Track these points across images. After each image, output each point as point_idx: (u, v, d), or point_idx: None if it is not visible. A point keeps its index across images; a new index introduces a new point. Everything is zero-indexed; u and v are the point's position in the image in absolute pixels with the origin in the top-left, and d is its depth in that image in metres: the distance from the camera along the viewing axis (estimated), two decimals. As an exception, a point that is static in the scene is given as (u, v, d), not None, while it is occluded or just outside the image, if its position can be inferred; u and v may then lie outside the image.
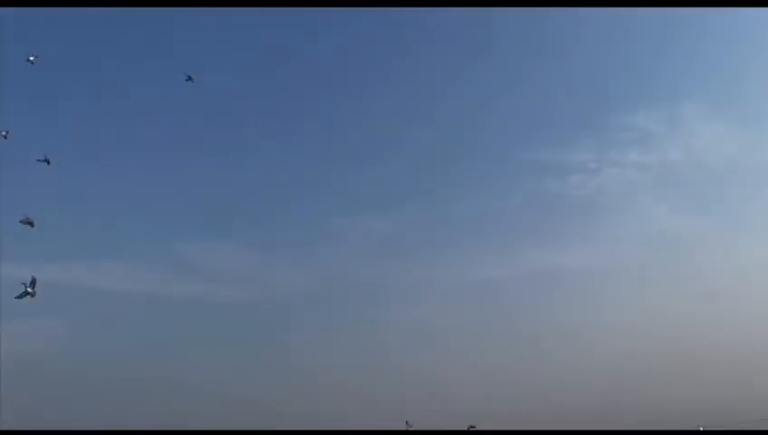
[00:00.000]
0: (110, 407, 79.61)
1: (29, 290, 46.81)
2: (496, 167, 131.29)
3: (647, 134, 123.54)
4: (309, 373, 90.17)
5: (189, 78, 62.32)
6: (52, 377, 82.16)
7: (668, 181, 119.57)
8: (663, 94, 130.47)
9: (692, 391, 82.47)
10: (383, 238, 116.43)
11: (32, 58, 55.18)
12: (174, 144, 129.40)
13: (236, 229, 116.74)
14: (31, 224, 50.56)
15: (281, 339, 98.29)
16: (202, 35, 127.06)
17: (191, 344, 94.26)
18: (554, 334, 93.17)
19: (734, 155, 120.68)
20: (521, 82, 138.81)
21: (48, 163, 54.17)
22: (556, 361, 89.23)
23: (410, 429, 67.10)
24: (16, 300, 46.78)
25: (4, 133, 53.36)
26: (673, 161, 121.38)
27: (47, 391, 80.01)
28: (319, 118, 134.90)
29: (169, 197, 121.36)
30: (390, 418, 75.00)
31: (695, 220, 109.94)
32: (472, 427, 66.64)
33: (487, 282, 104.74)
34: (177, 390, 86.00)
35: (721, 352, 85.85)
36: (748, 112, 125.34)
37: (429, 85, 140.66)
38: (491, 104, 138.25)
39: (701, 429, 76.46)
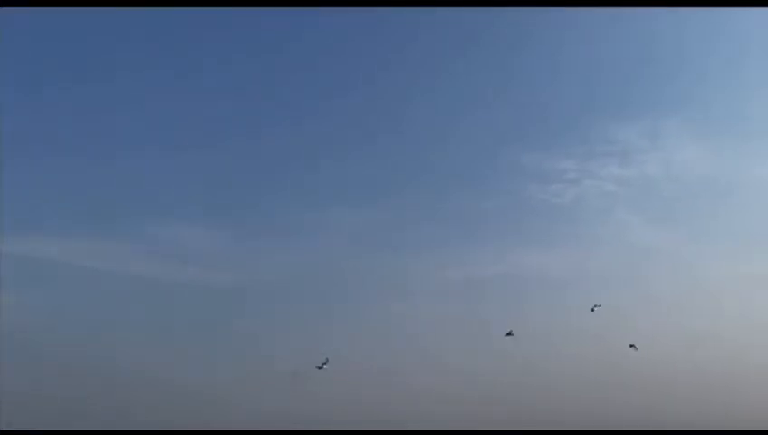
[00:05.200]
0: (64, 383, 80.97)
1: None
2: (482, 168, 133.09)
3: (628, 148, 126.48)
4: (271, 362, 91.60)
5: None
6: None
7: (645, 195, 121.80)
8: (646, 110, 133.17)
9: (655, 398, 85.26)
10: (366, 231, 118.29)
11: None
12: (157, 133, 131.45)
13: (216, 215, 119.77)
14: None
15: (248, 324, 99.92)
16: (178, 33, 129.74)
17: (149, 326, 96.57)
18: (524, 336, 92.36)
19: (710, 173, 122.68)
20: (512, 86, 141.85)
21: None
22: (521, 361, 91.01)
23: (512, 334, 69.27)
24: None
25: None
26: (651, 176, 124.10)
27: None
28: (304, 109, 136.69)
29: (150, 180, 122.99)
30: (363, 414, 78.67)
31: (668, 234, 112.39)
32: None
33: (462, 282, 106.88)
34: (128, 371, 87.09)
35: (685, 361, 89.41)
36: (726, 132, 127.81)
37: (420, 82, 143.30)
38: (479, 105, 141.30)
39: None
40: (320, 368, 62.82)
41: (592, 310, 69.72)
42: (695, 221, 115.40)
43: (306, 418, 78.17)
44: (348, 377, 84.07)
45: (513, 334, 70.31)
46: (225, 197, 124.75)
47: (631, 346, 72.07)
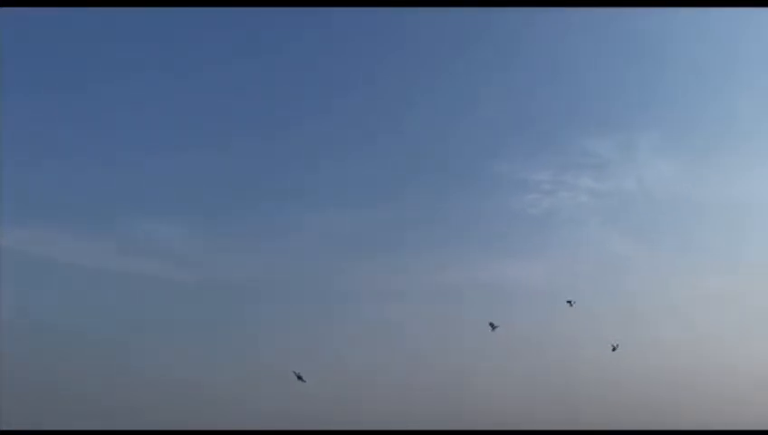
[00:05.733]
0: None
1: None
2: (461, 176, 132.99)
3: (603, 161, 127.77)
4: (253, 363, 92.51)
5: None
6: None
7: (619, 209, 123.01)
8: (622, 123, 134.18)
9: (626, 404, 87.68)
10: (346, 235, 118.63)
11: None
12: (153, 133, 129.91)
13: (194, 212, 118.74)
14: None
15: (227, 325, 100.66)
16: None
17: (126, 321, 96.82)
18: (492, 345, 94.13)
19: (683, 189, 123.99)
20: (492, 96, 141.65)
21: None
22: (485, 370, 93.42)
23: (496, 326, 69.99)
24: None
25: None
26: (625, 190, 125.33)
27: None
28: (294, 111, 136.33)
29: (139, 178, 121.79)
30: (351, 414, 79.48)
31: (639, 247, 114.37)
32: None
33: (438, 287, 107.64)
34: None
35: (653, 369, 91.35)
36: (701, 149, 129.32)
37: (402, 88, 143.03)
38: (463, 110, 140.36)
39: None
40: (298, 377, 63.74)
41: (569, 303, 71.55)
42: (666, 235, 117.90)
43: (295, 417, 79.33)
44: (336, 377, 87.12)
45: (496, 326, 70.91)
46: (221, 196, 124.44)
47: (614, 348, 73.66)
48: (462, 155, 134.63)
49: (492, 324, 70.84)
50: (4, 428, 76.96)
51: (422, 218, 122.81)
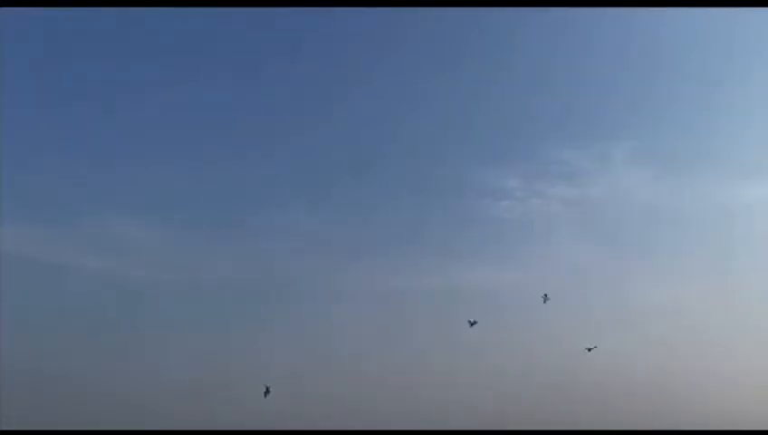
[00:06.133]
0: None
1: None
2: (431, 179, 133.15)
3: (575, 170, 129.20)
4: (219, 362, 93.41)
5: None
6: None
7: (589, 217, 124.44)
8: (596, 133, 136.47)
9: (588, 410, 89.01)
10: (310, 236, 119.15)
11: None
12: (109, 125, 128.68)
13: (160, 210, 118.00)
14: None
15: (184, 323, 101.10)
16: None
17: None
18: (452, 349, 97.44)
19: (653, 200, 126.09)
20: (467, 104, 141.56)
21: None
22: (445, 373, 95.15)
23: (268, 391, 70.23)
24: None
25: None
26: (595, 199, 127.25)
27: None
28: (261, 111, 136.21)
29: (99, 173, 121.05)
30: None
31: (608, 256, 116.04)
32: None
33: (402, 291, 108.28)
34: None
35: (621, 379, 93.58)
36: (671, 161, 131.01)
37: (377, 93, 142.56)
38: (438, 115, 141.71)
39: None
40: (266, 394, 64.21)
41: (544, 300, 74.17)
42: (634, 244, 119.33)
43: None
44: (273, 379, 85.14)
45: (475, 323, 72.79)
46: (173, 193, 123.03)
47: (589, 349, 76.51)
48: (438, 161, 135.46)
49: (470, 321, 73.38)
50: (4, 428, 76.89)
51: (393, 223, 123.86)
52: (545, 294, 75.31)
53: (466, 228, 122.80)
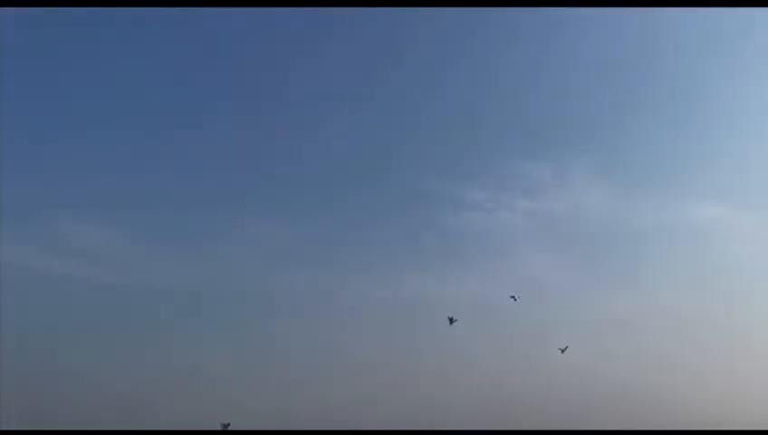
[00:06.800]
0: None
1: None
2: (400, 190, 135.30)
3: (538, 184, 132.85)
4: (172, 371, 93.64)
5: None
6: None
7: (550, 232, 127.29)
8: (558, 149, 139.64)
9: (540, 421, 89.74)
10: (277, 245, 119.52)
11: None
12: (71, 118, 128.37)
13: (123, 213, 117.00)
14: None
15: (150, 331, 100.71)
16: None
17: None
18: (410, 359, 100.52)
19: (612, 217, 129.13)
20: (433, 113, 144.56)
21: None
22: (402, 385, 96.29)
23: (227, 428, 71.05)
24: None
25: None
26: (557, 214, 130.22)
27: None
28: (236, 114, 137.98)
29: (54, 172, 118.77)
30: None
31: (566, 270, 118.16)
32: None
33: (360, 303, 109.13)
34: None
35: (578, 388, 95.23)
36: (631, 180, 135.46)
37: (342, 100, 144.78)
38: (405, 126, 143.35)
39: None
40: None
41: (513, 298, 75.68)
42: (592, 259, 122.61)
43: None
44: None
45: (455, 320, 73.34)
46: (155, 199, 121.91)
47: (562, 350, 78.08)
48: (401, 171, 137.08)
49: (450, 318, 73.59)
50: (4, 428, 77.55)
51: (356, 233, 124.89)
52: (514, 296, 77.08)
53: (425, 239, 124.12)
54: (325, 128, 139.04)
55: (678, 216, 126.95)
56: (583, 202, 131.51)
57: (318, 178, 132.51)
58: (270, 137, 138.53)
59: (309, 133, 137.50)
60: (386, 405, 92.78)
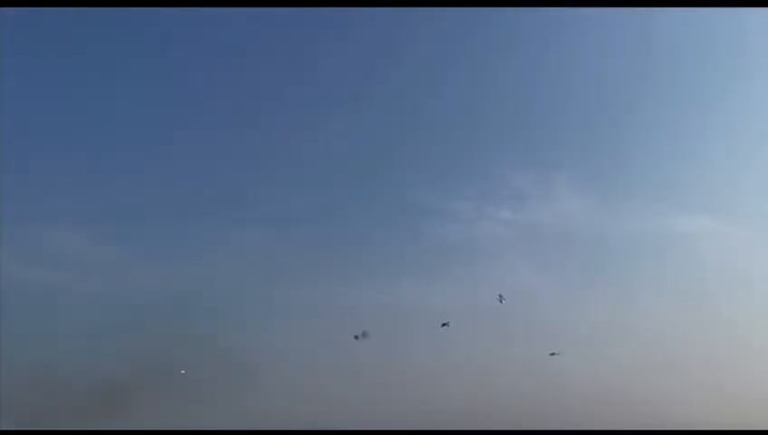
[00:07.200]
0: None
1: None
2: (384, 201, 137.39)
3: (520, 194, 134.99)
4: None
5: None
6: None
7: (533, 241, 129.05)
8: (541, 161, 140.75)
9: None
10: (257, 253, 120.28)
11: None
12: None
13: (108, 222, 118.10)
14: None
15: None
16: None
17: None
18: (398, 367, 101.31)
19: (592, 226, 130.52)
20: (420, 125, 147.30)
21: None
22: (389, 391, 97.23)
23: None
24: None
25: None
26: (540, 223, 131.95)
27: None
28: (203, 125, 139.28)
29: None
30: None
31: (548, 279, 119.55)
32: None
33: (346, 311, 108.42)
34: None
35: (556, 401, 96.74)
36: (611, 191, 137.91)
37: (330, 111, 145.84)
38: (403, 123, 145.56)
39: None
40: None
41: (500, 301, 76.53)
42: (573, 268, 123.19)
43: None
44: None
45: (447, 324, 75.54)
46: (138, 207, 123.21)
47: (552, 353, 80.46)
48: (392, 180, 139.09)
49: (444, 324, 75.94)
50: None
51: (346, 243, 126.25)
52: (500, 296, 77.89)
53: (412, 247, 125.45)
54: (324, 129, 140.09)
55: (662, 227, 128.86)
56: (566, 211, 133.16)
57: (312, 182, 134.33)
58: (269, 138, 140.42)
59: (308, 134, 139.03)
60: (374, 405, 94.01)
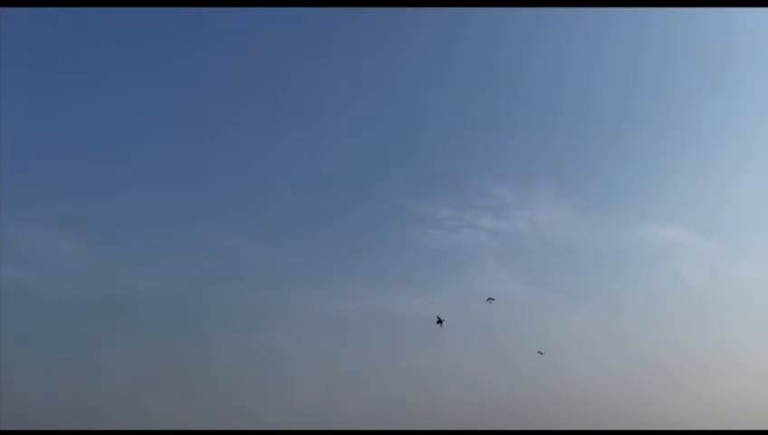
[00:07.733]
0: None
1: None
2: (367, 207, 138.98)
3: (501, 203, 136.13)
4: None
5: None
6: None
7: (513, 249, 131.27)
8: (522, 170, 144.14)
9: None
10: (239, 259, 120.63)
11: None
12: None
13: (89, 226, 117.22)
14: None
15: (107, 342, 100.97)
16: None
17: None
18: (384, 373, 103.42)
19: (571, 236, 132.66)
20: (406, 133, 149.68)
21: None
22: (377, 398, 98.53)
23: None
24: None
25: None
26: (519, 232, 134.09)
27: None
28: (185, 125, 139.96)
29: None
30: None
31: (528, 288, 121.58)
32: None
33: (332, 317, 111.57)
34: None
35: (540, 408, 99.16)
36: (589, 201, 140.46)
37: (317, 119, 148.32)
38: (380, 142, 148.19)
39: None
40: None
41: (489, 301, 78.49)
42: (551, 277, 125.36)
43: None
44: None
45: (442, 320, 76.40)
46: (100, 206, 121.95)
47: (540, 352, 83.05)
48: (372, 190, 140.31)
49: (438, 319, 76.75)
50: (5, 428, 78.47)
51: (335, 248, 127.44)
52: (490, 298, 79.77)
53: (395, 255, 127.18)
54: (313, 139, 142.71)
55: (643, 237, 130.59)
56: (545, 221, 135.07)
57: (302, 190, 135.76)
58: (260, 147, 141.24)
59: (297, 144, 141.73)
60: (364, 406, 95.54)
